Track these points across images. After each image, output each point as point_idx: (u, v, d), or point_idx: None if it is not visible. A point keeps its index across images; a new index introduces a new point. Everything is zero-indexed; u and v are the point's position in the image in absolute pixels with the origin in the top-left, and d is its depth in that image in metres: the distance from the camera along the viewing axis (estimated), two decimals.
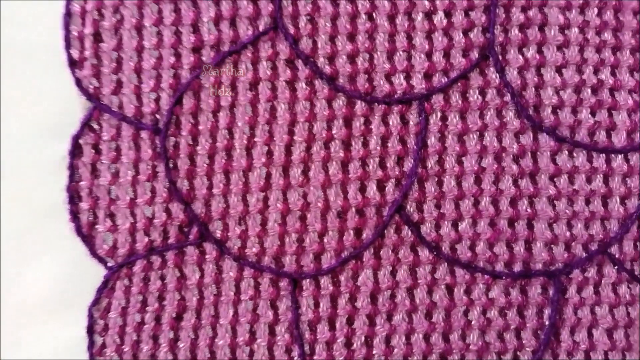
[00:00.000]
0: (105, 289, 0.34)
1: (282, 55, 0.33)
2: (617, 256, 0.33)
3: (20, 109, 0.35)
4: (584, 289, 0.33)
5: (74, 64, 0.34)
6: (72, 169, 0.34)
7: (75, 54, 0.34)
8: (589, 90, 0.33)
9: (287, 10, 0.33)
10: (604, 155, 0.33)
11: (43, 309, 0.35)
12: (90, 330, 0.34)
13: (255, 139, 0.33)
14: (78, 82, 0.34)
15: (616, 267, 0.33)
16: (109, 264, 0.34)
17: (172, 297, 0.34)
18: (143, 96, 0.34)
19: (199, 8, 0.33)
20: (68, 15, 0.33)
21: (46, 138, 0.35)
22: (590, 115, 0.33)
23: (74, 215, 0.34)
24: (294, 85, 0.33)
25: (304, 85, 0.33)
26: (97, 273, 0.34)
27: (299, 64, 0.33)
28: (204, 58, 0.33)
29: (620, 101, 0.33)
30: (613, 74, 0.33)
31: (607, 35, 0.33)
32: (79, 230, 0.34)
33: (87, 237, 0.34)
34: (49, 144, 0.34)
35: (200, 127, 0.33)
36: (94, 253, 0.34)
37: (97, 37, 0.33)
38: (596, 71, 0.33)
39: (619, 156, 0.33)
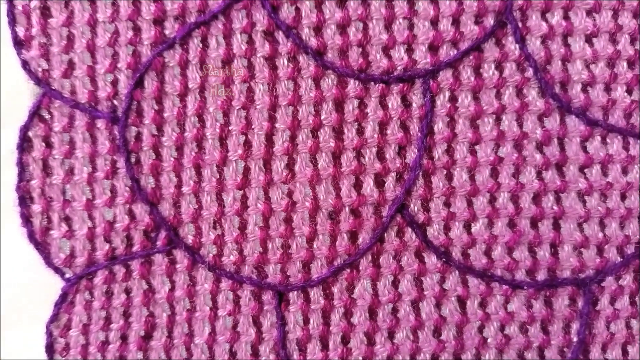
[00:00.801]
0: (64, 303, 0.32)
1: (259, 26, 0.30)
2: None
3: None
4: (618, 299, 0.31)
5: (19, 44, 0.32)
6: (22, 165, 0.32)
7: (20, 31, 0.31)
8: (625, 64, 0.30)
9: None
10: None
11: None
12: (50, 350, 0.32)
13: (230, 127, 0.31)
14: (25, 65, 0.32)
15: None
16: (67, 275, 0.32)
17: (139, 312, 0.32)
18: (98, 78, 0.31)
19: None
20: None
21: None
22: (626, 94, 0.30)
23: (26, 219, 0.32)
24: (274, 61, 0.31)
25: (286, 62, 0.31)
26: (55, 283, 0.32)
27: (280, 36, 0.30)
28: (167, 31, 0.30)
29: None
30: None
31: None
32: (31, 237, 0.32)
33: (41, 244, 0.32)
34: None
35: (165, 114, 0.31)
36: (49, 262, 0.32)
37: (45, 12, 0.31)
38: (633, 40, 0.30)
39: None
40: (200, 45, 0.30)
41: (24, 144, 0.32)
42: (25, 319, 0.34)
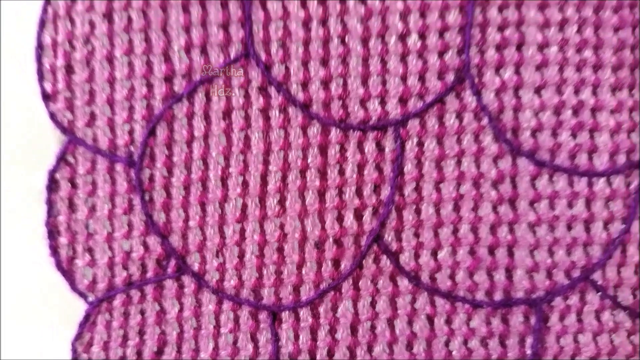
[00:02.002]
0: (87, 323, 0.33)
1: (255, 83, 0.32)
2: (600, 283, 0.32)
3: None
4: (566, 316, 0.32)
5: (47, 97, 0.33)
6: (50, 203, 0.33)
7: (48, 86, 0.33)
8: (569, 112, 0.32)
9: (258, 36, 0.31)
10: (585, 178, 0.32)
11: (25, 342, 0.35)
12: None
13: (230, 169, 0.32)
14: (52, 116, 0.33)
15: (599, 293, 0.32)
16: (89, 299, 0.33)
17: (152, 331, 0.33)
18: (117, 128, 0.33)
19: (170, 36, 0.32)
20: (40, 47, 0.32)
21: (22, 169, 0.34)
22: (570, 137, 0.32)
23: (54, 250, 0.33)
24: (267, 113, 0.32)
25: (278, 113, 0.32)
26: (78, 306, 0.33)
27: (272, 91, 0.32)
28: (175, 87, 0.32)
29: (601, 122, 0.31)
30: (594, 93, 0.31)
31: (588, 53, 0.31)
32: (59, 265, 0.33)
33: (67, 271, 0.33)
34: (24, 175, 0.34)
35: (174, 159, 0.32)
36: (74, 287, 0.33)
37: (70, 69, 0.32)
38: (576, 91, 0.32)
39: (601, 179, 0.32)
40: (204, 99, 0.32)
41: (52, 185, 0.33)
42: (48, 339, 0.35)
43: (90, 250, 0.33)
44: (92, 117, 0.33)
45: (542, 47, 0.31)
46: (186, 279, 0.33)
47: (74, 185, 0.33)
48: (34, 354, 0.35)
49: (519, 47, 0.31)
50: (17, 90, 0.34)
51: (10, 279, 0.35)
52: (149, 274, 0.33)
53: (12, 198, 0.34)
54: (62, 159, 0.33)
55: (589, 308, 0.32)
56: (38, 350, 0.35)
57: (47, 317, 0.35)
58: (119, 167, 0.33)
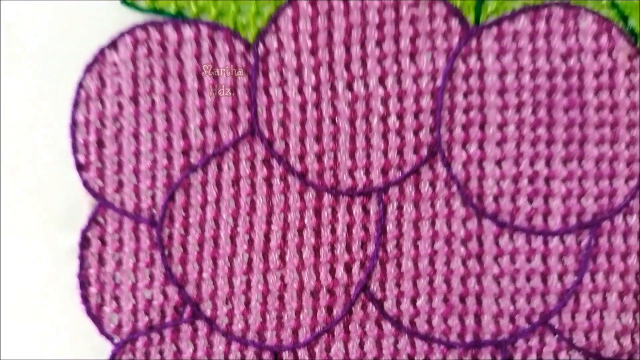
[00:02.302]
0: None
1: (259, 156, 0.34)
2: (556, 327, 0.34)
3: (32, 205, 0.37)
4: (528, 356, 0.34)
5: (80, 167, 0.35)
6: (82, 258, 0.35)
7: (82, 159, 0.35)
8: (526, 180, 0.34)
9: (262, 117, 0.34)
10: (541, 237, 0.34)
11: None
12: None
13: (238, 229, 0.34)
14: (85, 183, 0.35)
15: (556, 336, 0.34)
16: (115, 341, 0.35)
17: None
18: (141, 194, 0.35)
19: (187, 117, 0.35)
20: (74, 124, 0.35)
21: (56, 230, 0.37)
22: (527, 202, 0.34)
23: (85, 298, 0.35)
24: (270, 181, 0.34)
25: (279, 181, 0.34)
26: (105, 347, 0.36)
27: (274, 162, 0.34)
28: (192, 160, 0.34)
29: (554, 189, 0.34)
30: (548, 165, 0.34)
31: (541, 131, 0.34)
32: (89, 312, 0.35)
33: (96, 317, 0.35)
34: (59, 235, 0.37)
35: (190, 220, 0.34)
36: (102, 331, 0.35)
37: (100, 144, 0.35)
38: (532, 163, 0.34)
39: (555, 238, 0.34)
40: (216, 169, 0.34)
41: (84, 242, 0.35)
42: None
43: (116, 299, 0.35)
44: (120, 184, 0.35)
45: (502, 126, 0.34)
46: (200, 323, 0.35)
47: (103, 242, 0.35)
48: None
49: (482, 127, 0.34)
50: (54, 160, 0.36)
51: (45, 326, 0.37)
52: (168, 319, 0.35)
53: (48, 255, 0.36)
54: (93, 219, 0.35)
55: (548, 349, 0.34)
56: None
57: (78, 357, 0.37)
58: (142, 227, 0.35)
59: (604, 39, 0.34)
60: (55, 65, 0.35)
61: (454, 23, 0.34)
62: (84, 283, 0.35)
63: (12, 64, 0.36)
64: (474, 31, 0.34)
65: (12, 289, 0.37)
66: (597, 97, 0.34)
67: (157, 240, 0.35)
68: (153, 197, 0.35)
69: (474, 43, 0.34)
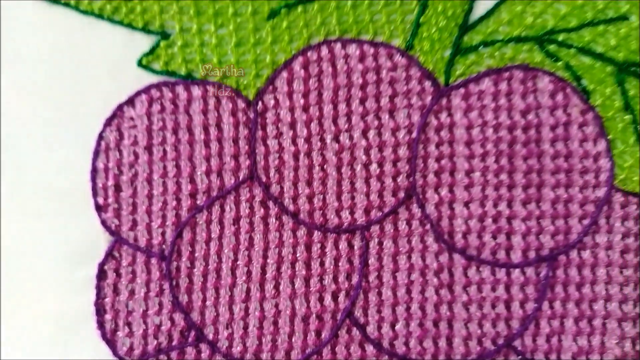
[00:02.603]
0: None
1: (257, 198, 0.37)
2: (519, 348, 0.37)
3: (56, 241, 0.39)
4: None
5: (99, 209, 0.37)
6: (99, 288, 0.38)
7: (100, 201, 0.37)
8: (491, 220, 0.37)
9: (260, 164, 0.37)
10: (504, 269, 0.37)
11: None
12: None
13: (238, 262, 0.37)
14: (103, 222, 0.37)
15: (519, 357, 0.37)
16: None
17: None
18: (153, 231, 0.37)
19: (195, 164, 0.37)
20: (95, 170, 0.37)
21: (77, 263, 0.39)
22: (492, 239, 0.37)
23: (100, 324, 0.38)
24: (266, 220, 0.37)
25: (274, 220, 0.37)
26: None
27: (270, 204, 0.37)
28: (198, 201, 0.37)
29: (515, 227, 0.37)
30: (510, 206, 0.37)
31: (504, 177, 0.37)
32: (104, 336, 0.38)
33: (110, 341, 0.38)
34: (79, 267, 0.39)
35: (196, 254, 0.37)
36: (116, 354, 0.37)
37: (117, 188, 0.37)
38: (495, 205, 0.37)
39: (517, 270, 0.37)
40: (219, 210, 0.36)
41: (101, 274, 0.38)
42: None
43: (129, 324, 0.37)
44: (134, 223, 0.37)
45: (469, 172, 0.37)
46: (203, 346, 0.37)
47: (118, 274, 0.37)
48: None
49: (452, 173, 0.37)
50: (76, 202, 0.38)
51: (64, 349, 0.39)
52: (174, 343, 0.37)
53: (68, 285, 0.38)
54: (109, 254, 0.38)
55: None
56: None
57: None
58: (153, 261, 0.37)
59: (559, 97, 0.37)
60: (79, 119, 0.38)
61: (427, 84, 0.37)
62: (100, 310, 0.37)
63: (39, 117, 0.39)
64: (444, 91, 0.37)
65: (34, 314, 0.39)
66: (553, 147, 0.37)
67: (166, 272, 0.37)
68: (163, 234, 0.37)
69: (444, 101, 0.37)
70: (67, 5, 0.37)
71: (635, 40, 0.37)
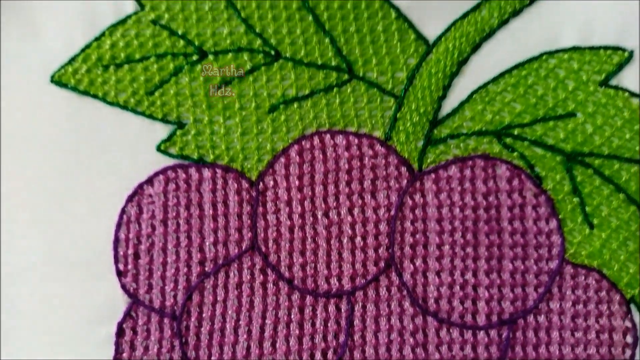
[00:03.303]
0: None
1: (258, 266, 0.40)
2: None
3: (80, 303, 0.42)
4: None
5: (120, 274, 0.41)
6: (117, 345, 0.41)
7: (121, 267, 0.41)
8: (459, 287, 0.40)
9: (260, 237, 0.41)
10: (471, 330, 0.40)
11: None
12: None
13: (240, 322, 0.40)
14: (123, 286, 0.41)
15: None
16: None
17: None
18: (166, 294, 0.40)
19: (204, 236, 0.41)
20: (117, 240, 0.41)
21: (98, 322, 0.42)
22: (460, 304, 0.40)
23: None
24: (265, 285, 0.40)
25: (272, 285, 0.40)
26: None
27: (269, 271, 0.40)
28: (206, 268, 0.40)
29: (480, 294, 0.40)
30: (475, 275, 0.41)
31: (469, 250, 0.41)
32: None
33: None
34: (100, 326, 0.42)
35: (203, 315, 0.40)
36: None
37: (136, 256, 0.41)
38: (463, 274, 0.40)
39: (482, 331, 0.40)
40: (225, 276, 0.40)
41: (119, 332, 0.41)
42: None
43: None
44: (150, 287, 0.40)
45: (440, 246, 0.40)
46: None
47: (134, 332, 0.40)
48: None
49: (425, 246, 0.41)
50: (100, 269, 0.42)
51: None
52: None
53: (90, 341, 0.41)
54: (127, 314, 0.41)
55: None
56: None
57: None
58: (166, 320, 0.40)
59: (515, 182, 0.41)
60: (104, 196, 0.42)
61: (403, 170, 0.41)
62: None
63: (69, 194, 0.42)
64: (418, 176, 0.41)
65: None
66: (511, 225, 0.41)
67: (177, 331, 0.40)
68: (175, 297, 0.40)
69: (418, 184, 0.41)
70: (95, 97, 0.42)
71: (581, 134, 0.41)
